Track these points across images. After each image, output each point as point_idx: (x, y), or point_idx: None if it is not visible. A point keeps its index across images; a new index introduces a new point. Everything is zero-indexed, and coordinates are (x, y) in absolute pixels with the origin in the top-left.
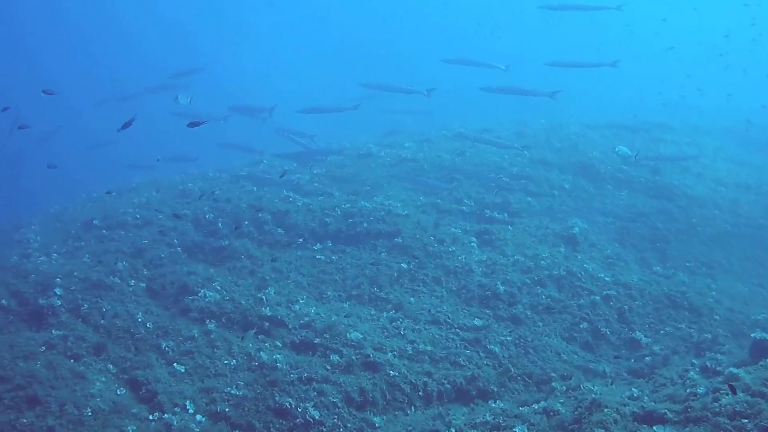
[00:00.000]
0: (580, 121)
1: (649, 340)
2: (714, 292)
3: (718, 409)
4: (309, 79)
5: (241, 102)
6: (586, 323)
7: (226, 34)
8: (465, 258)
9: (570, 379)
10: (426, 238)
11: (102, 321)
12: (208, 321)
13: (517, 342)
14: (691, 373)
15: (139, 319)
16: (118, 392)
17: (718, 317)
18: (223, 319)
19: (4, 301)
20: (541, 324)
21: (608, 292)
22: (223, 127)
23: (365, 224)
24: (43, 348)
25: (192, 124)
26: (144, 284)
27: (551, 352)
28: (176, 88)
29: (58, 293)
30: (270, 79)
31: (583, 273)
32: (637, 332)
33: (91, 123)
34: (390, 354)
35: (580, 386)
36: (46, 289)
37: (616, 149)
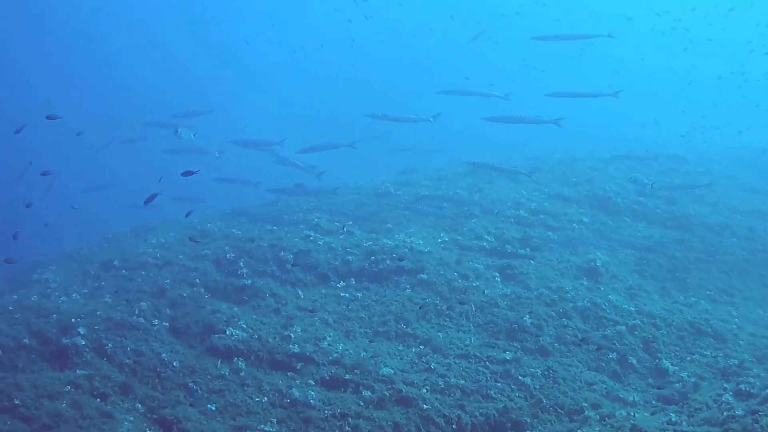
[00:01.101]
0: (594, 155)
1: (676, 368)
2: (736, 319)
3: (760, 430)
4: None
5: (246, 136)
6: (614, 353)
7: (229, 71)
8: (490, 292)
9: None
10: (450, 274)
11: (127, 360)
12: (236, 359)
13: (547, 373)
14: (725, 396)
15: (165, 358)
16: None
17: (742, 342)
18: (252, 357)
19: (26, 340)
20: (569, 355)
21: (633, 322)
22: (222, 162)
23: (388, 261)
24: (68, 387)
25: (186, 173)
26: (167, 323)
27: (581, 382)
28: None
29: (81, 332)
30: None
31: (607, 304)
32: (663, 360)
33: (96, 163)
34: (422, 388)
35: (614, 414)
36: (69, 328)
37: (631, 178)
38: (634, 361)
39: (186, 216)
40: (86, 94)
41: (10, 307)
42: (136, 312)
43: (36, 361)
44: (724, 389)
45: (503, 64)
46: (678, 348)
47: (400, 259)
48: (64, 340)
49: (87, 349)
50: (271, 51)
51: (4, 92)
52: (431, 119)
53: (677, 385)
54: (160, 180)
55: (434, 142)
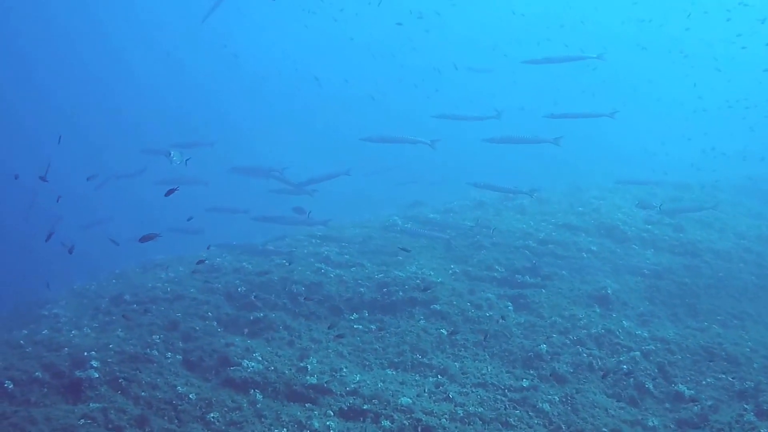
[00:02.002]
0: (599, 184)
1: (692, 392)
2: (749, 342)
3: None
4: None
5: (245, 163)
6: (630, 378)
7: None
8: (504, 321)
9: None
10: (463, 304)
11: (142, 393)
12: (252, 390)
13: (565, 400)
14: (747, 416)
15: (181, 391)
16: None
17: (756, 365)
18: (269, 389)
19: (38, 374)
20: (586, 381)
21: (647, 347)
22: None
23: (401, 293)
24: (83, 420)
25: (169, 192)
26: (180, 356)
27: (599, 408)
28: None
29: (94, 365)
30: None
31: (620, 331)
32: (679, 385)
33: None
34: (442, 418)
35: None
36: (82, 361)
37: (638, 203)
38: (651, 386)
39: (208, 249)
40: (113, 118)
41: (20, 341)
42: (149, 345)
43: (49, 394)
44: (745, 410)
45: (525, 92)
46: (693, 372)
47: (425, 289)
48: (78, 373)
49: (100, 382)
50: (288, 82)
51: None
52: (429, 143)
53: (695, 407)
54: (190, 219)
55: (439, 175)
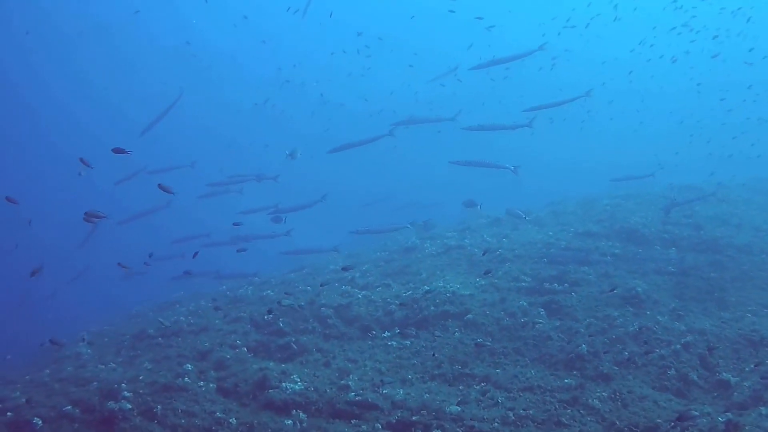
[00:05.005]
0: (610, 193)
1: (738, 378)
2: None
3: None
4: None
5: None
6: (673, 370)
7: None
8: (541, 326)
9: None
10: (496, 313)
11: (181, 421)
12: (295, 411)
13: (613, 396)
14: None
15: (220, 417)
16: None
17: None
18: (312, 409)
19: (68, 408)
20: (630, 377)
21: (686, 339)
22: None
23: (432, 307)
24: None
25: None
26: (214, 384)
27: (648, 401)
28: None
29: (126, 396)
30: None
31: (657, 326)
32: (723, 373)
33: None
34: (494, 422)
35: (695, 422)
36: (112, 394)
37: (663, 208)
38: (695, 377)
39: (237, 251)
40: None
41: (45, 379)
42: (181, 374)
43: (80, 429)
44: None
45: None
46: (735, 360)
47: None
48: (110, 405)
49: (134, 413)
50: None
51: None
52: (388, 133)
53: (747, 391)
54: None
55: (436, 196)
